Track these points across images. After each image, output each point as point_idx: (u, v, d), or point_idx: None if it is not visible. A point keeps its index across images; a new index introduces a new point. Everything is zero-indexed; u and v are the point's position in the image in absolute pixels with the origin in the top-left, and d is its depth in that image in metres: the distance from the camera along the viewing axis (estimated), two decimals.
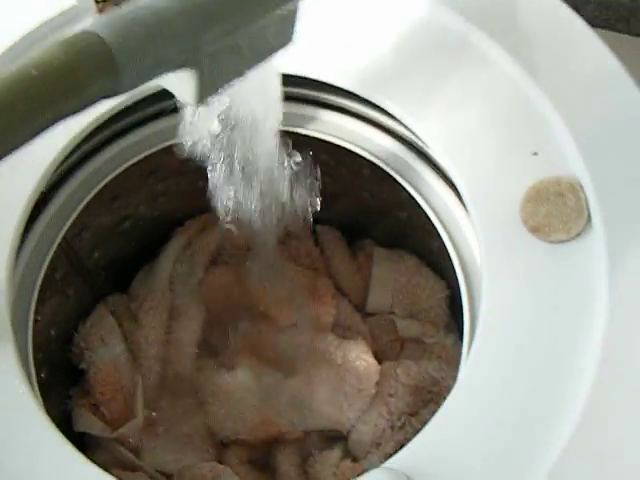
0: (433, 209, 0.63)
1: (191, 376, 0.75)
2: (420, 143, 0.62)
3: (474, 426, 0.49)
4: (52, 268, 0.66)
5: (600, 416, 0.48)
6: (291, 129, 0.66)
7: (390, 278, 0.77)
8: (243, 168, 0.57)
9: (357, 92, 0.61)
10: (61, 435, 0.51)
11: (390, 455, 0.49)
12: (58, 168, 0.63)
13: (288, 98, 0.67)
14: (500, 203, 0.54)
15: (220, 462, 0.71)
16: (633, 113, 0.55)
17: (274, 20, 0.44)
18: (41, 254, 0.63)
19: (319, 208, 0.64)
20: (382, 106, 0.60)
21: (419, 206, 0.64)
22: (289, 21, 0.46)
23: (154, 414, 0.73)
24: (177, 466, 0.71)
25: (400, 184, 0.64)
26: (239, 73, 0.46)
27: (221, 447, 0.74)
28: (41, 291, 0.62)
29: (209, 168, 0.56)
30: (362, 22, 0.62)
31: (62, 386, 0.73)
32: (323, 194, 0.78)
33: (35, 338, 0.60)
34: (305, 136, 0.68)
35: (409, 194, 0.65)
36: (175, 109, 0.67)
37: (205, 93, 0.44)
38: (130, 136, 0.68)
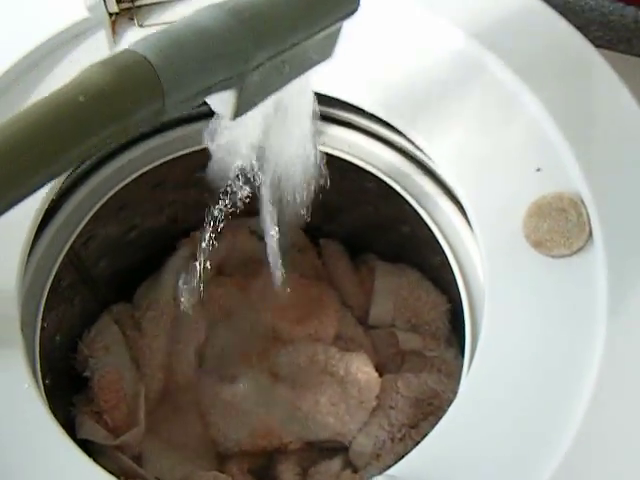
0: (436, 223, 0.64)
1: (193, 386, 0.76)
2: (425, 158, 0.63)
3: (475, 437, 0.50)
4: (59, 276, 0.66)
5: (598, 432, 0.48)
6: None
7: (392, 292, 0.78)
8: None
9: (362, 107, 0.62)
10: (69, 439, 0.51)
11: (390, 466, 0.50)
12: (67, 177, 0.64)
13: None
14: (503, 218, 0.55)
15: (221, 472, 0.71)
16: (634, 131, 0.56)
17: (319, 37, 0.44)
18: (49, 262, 0.64)
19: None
20: (386, 120, 0.61)
21: (422, 221, 0.65)
22: (333, 37, 0.46)
23: (155, 423, 0.74)
24: (178, 475, 0.71)
25: (404, 198, 0.65)
26: (277, 89, 0.45)
27: (222, 457, 0.74)
28: (48, 299, 0.63)
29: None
30: (378, 41, 0.63)
31: (66, 393, 0.74)
32: (327, 208, 0.80)
33: (41, 345, 0.60)
34: None
35: (413, 208, 0.65)
36: (181, 121, 0.69)
37: (243, 109, 0.43)
38: (138, 147, 0.68)
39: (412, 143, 0.61)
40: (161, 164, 0.69)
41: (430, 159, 0.61)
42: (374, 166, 0.67)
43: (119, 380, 0.73)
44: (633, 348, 0.50)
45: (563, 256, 0.54)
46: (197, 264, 0.79)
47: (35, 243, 0.62)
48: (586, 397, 0.49)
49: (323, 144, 0.68)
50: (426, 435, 0.51)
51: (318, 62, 0.46)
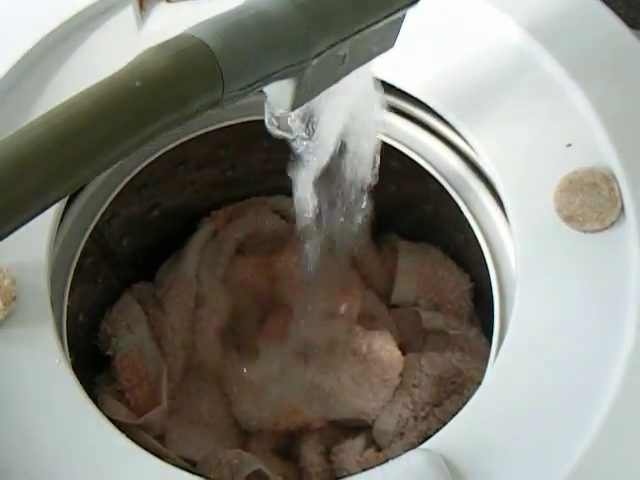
0: (464, 201, 0.64)
1: (216, 364, 0.76)
2: (453, 135, 0.63)
3: (507, 411, 0.50)
4: (82, 255, 0.66)
5: (631, 406, 0.48)
6: None
7: (415, 271, 0.78)
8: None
9: (389, 82, 0.61)
10: (100, 413, 0.52)
11: (414, 445, 0.50)
12: None
13: None
14: (534, 193, 0.55)
15: (244, 450, 0.72)
16: None
17: (380, 27, 0.42)
18: (75, 240, 0.64)
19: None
20: (413, 94, 0.61)
21: (447, 198, 0.65)
22: (395, 27, 0.45)
23: (178, 401, 0.74)
24: (201, 453, 0.71)
25: (431, 176, 0.65)
26: (336, 79, 0.44)
27: (245, 435, 0.75)
28: (72, 277, 0.63)
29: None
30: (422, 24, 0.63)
31: (88, 372, 0.74)
32: None
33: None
34: None
35: (438, 186, 0.65)
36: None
37: (301, 100, 0.42)
38: None
39: (439, 118, 0.61)
40: (184, 142, 0.69)
41: (459, 136, 0.61)
42: (400, 142, 0.67)
43: (141, 359, 0.73)
44: None
45: (595, 231, 0.53)
46: (219, 242, 0.80)
47: (62, 221, 0.62)
48: (618, 377, 0.49)
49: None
50: (449, 413, 0.51)
51: (379, 53, 0.45)
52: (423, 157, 0.66)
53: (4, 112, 0.59)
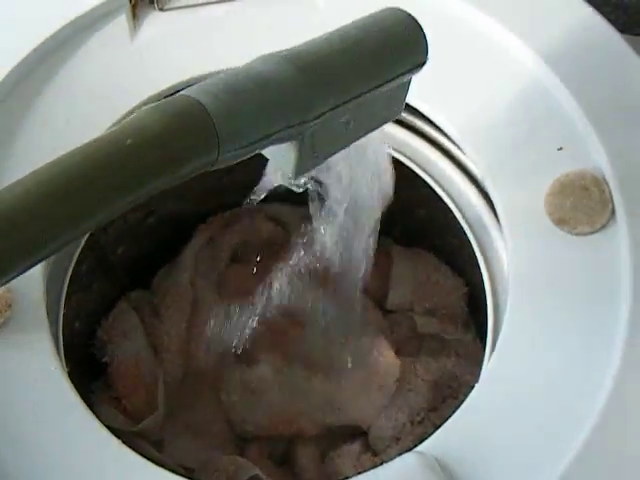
0: (457, 205, 0.64)
1: (212, 371, 0.76)
2: (445, 141, 0.64)
3: (500, 413, 0.50)
4: (78, 262, 0.67)
5: (624, 407, 0.49)
6: None
7: (409, 276, 0.78)
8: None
9: None
10: (97, 420, 0.52)
11: (410, 449, 0.50)
12: None
13: None
14: (525, 196, 0.56)
15: (241, 456, 0.71)
16: None
17: (385, 92, 0.41)
18: (70, 248, 0.64)
19: None
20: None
21: (440, 203, 0.65)
22: (401, 92, 0.44)
23: (175, 408, 0.74)
24: (198, 460, 0.71)
25: (423, 180, 0.65)
26: (342, 146, 0.43)
27: (242, 441, 0.75)
28: (68, 285, 0.63)
29: None
30: None
31: (85, 380, 0.74)
32: None
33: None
34: None
35: (431, 191, 0.66)
36: None
37: (305, 166, 0.41)
38: None
39: (430, 122, 0.62)
40: None
41: (450, 140, 0.61)
42: (392, 148, 0.67)
43: (137, 366, 0.73)
44: None
45: (586, 234, 0.54)
46: (215, 249, 0.80)
47: None
48: (610, 377, 0.49)
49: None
50: (445, 418, 0.51)
51: (386, 119, 0.44)
52: (415, 162, 0.66)
53: None
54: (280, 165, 0.41)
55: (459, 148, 0.61)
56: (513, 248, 0.55)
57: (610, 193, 0.54)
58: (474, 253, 0.62)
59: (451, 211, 0.64)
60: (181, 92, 0.34)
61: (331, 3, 0.63)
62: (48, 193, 0.29)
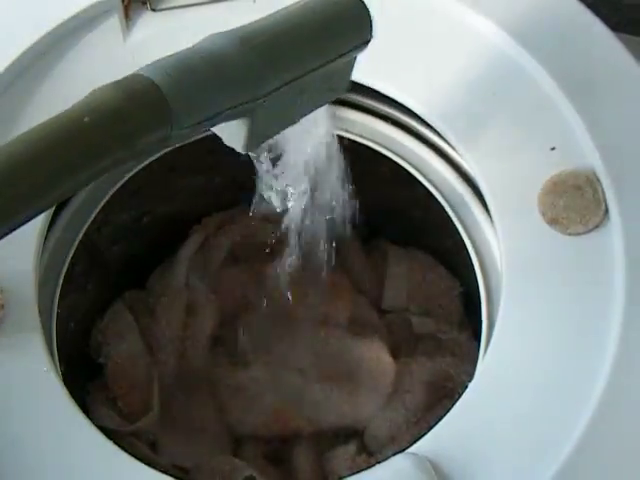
0: (451, 205, 0.64)
1: (207, 371, 0.76)
2: (438, 140, 0.63)
3: (493, 415, 0.50)
4: (72, 262, 0.67)
5: (618, 407, 0.49)
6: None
7: (405, 276, 0.78)
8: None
9: (371, 85, 0.62)
10: (88, 421, 0.52)
11: (405, 449, 0.50)
12: None
13: None
14: (518, 196, 0.55)
15: (237, 457, 0.71)
16: None
17: (332, 70, 0.43)
18: (64, 248, 0.64)
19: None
20: (399, 101, 0.61)
21: (436, 203, 0.65)
22: (346, 71, 0.45)
23: (170, 409, 0.74)
24: (193, 460, 0.71)
25: (418, 180, 0.65)
26: (290, 123, 0.44)
27: (238, 442, 0.75)
28: (62, 285, 0.63)
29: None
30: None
31: (80, 380, 0.74)
32: None
33: (55, 331, 0.61)
34: None
35: (426, 191, 0.65)
36: None
37: (255, 142, 0.43)
38: None
39: (424, 123, 0.61)
40: (173, 149, 0.69)
41: (444, 140, 0.61)
42: (387, 149, 0.67)
43: (132, 366, 0.73)
44: None
45: (579, 233, 0.54)
46: (210, 250, 0.80)
47: (50, 229, 0.62)
48: (604, 379, 0.49)
49: (335, 127, 0.68)
50: (441, 418, 0.51)
51: (331, 97, 0.46)
52: (410, 162, 0.66)
53: None
54: (230, 141, 0.42)
55: (453, 148, 0.61)
56: (506, 248, 0.54)
57: (603, 193, 0.54)
58: (468, 253, 0.61)
59: (445, 211, 0.64)
60: (136, 70, 0.35)
61: None
62: (11, 167, 0.31)
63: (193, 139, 0.69)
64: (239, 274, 0.80)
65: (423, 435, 0.50)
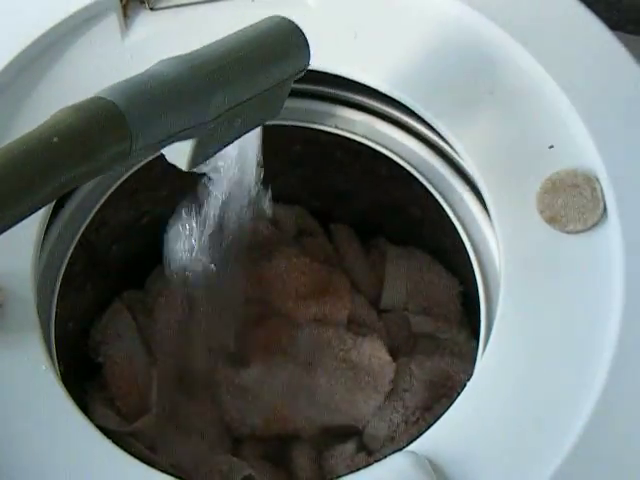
0: (449, 204, 0.64)
1: (206, 371, 0.76)
2: (437, 139, 0.63)
3: (492, 414, 0.50)
4: (71, 263, 0.66)
5: (617, 405, 0.48)
6: (304, 125, 0.67)
7: (403, 275, 0.78)
8: None
9: (372, 85, 0.62)
10: (87, 420, 0.52)
11: (404, 448, 0.50)
12: None
13: (304, 94, 0.68)
14: (517, 195, 0.55)
15: (236, 457, 0.71)
16: None
17: (269, 95, 0.47)
18: (63, 247, 0.64)
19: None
20: (398, 99, 0.61)
21: (434, 202, 0.65)
22: (281, 96, 0.49)
23: (169, 409, 0.74)
24: (193, 461, 0.71)
25: (416, 180, 0.65)
26: (228, 142, 0.49)
27: (237, 442, 0.74)
28: (61, 285, 0.63)
29: None
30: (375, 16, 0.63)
31: (79, 381, 0.74)
32: (337, 192, 0.80)
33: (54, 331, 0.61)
34: (320, 131, 0.69)
35: (424, 190, 0.65)
36: None
37: (197, 160, 0.46)
38: None
39: (423, 122, 0.61)
40: None
41: (442, 139, 0.61)
42: (386, 147, 0.67)
43: (131, 366, 0.73)
44: None
45: (578, 232, 0.54)
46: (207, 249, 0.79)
47: (49, 229, 0.62)
48: (603, 376, 0.49)
49: (334, 127, 0.68)
50: (440, 416, 0.51)
51: (266, 119, 0.50)
52: (408, 161, 0.66)
53: None
54: (174, 160, 0.46)
55: (452, 147, 0.61)
56: (505, 246, 0.54)
57: (602, 191, 0.54)
58: (467, 252, 0.61)
59: (444, 210, 0.64)
60: (97, 93, 0.38)
61: (322, 3, 0.63)
62: None
63: None
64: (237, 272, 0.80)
65: (422, 434, 0.50)
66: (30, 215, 0.36)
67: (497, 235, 0.55)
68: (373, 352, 0.73)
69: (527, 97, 0.58)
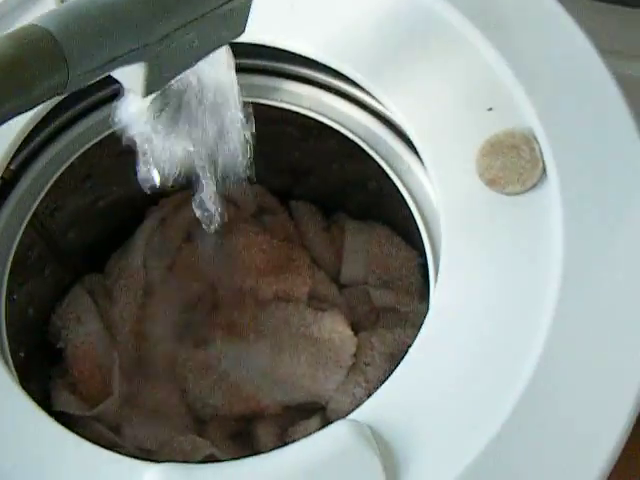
0: (397, 174, 0.63)
1: (168, 352, 0.76)
2: (378, 106, 0.63)
3: (434, 379, 0.49)
4: (27, 248, 0.66)
5: (556, 365, 0.48)
6: (255, 100, 0.67)
7: (362, 249, 0.77)
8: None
9: (310, 56, 0.61)
10: (38, 408, 0.51)
11: None
12: (25, 146, 0.64)
13: (254, 70, 0.68)
14: (457, 158, 0.55)
15: (200, 437, 0.71)
16: (585, 64, 0.56)
17: (227, 11, 0.44)
18: (12, 233, 0.64)
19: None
20: (337, 69, 0.60)
21: (386, 174, 0.65)
22: (243, 12, 0.46)
23: (131, 391, 0.74)
24: (157, 442, 0.71)
25: (366, 152, 0.65)
26: (188, 65, 0.46)
27: (201, 422, 0.74)
28: (15, 271, 0.63)
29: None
30: None
31: (42, 366, 0.74)
32: (295, 169, 0.79)
33: (13, 318, 0.60)
34: (271, 107, 0.68)
35: (375, 162, 0.65)
36: None
37: (154, 86, 0.44)
38: (99, 112, 0.68)
39: (367, 92, 0.61)
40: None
41: (383, 105, 0.61)
42: (333, 120, 0.67)
43: (92, 350, 0.73)
44: (589, 284, 0.50)
45: (517, 193, 0.53)
46: (167, 229, 0.79)
47: None
48: (542, 337, 0.48)
49: (282, 101, 0.68)
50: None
51: (229, 38, 0.47)
52: (356, 133, 0.66)
53: None
54: (130, 86, 0.44)
55: (391, 112, 0.60)
56: (445, 210, 0.54)
57: (541, 151, 0.53)
58: (415, 221, 0.61)
59: (392, 180, 0.63)
60: (30, 21, 0.37)
61: None
62: None
63: None
64: (196, 253, 0.79)
65: None
66: None
67: (438, 200, 0.55)
68: (334, 327, 0.73)
69: (465, 61, 0.58)
